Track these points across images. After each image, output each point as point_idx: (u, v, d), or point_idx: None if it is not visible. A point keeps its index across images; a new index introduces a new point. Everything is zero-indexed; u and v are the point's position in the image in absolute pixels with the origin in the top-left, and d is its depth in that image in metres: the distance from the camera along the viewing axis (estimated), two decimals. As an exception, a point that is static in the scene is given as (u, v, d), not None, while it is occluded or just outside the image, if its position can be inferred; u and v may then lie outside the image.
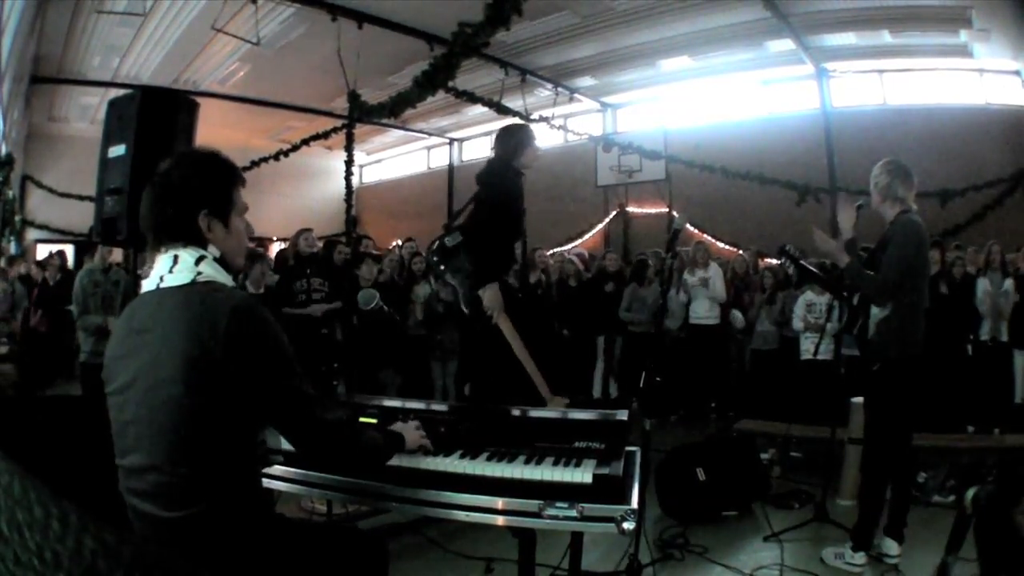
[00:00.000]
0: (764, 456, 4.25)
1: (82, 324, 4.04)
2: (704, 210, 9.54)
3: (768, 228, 8.87)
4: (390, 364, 4.98)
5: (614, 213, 11.19)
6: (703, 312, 5.93)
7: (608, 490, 1.51)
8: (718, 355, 5.99)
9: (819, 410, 4.01)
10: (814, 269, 4.46)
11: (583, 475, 1.54)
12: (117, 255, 4.42)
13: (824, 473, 3.53)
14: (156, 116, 2.56)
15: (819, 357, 4.48)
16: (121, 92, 2.99)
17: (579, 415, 1.95)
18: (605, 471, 1.56)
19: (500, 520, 1.56)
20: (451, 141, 14.32)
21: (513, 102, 9.30)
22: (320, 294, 4.59)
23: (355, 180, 9.42)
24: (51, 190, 10.65)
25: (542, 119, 9.78)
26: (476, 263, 2.74)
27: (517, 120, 8.62)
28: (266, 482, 1.62)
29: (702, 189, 9.78)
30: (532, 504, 1.51)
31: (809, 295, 5.03)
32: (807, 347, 4.95)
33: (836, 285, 3.47)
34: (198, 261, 1.29)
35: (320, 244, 5.15)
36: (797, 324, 5.08)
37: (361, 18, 7.64)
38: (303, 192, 14.45)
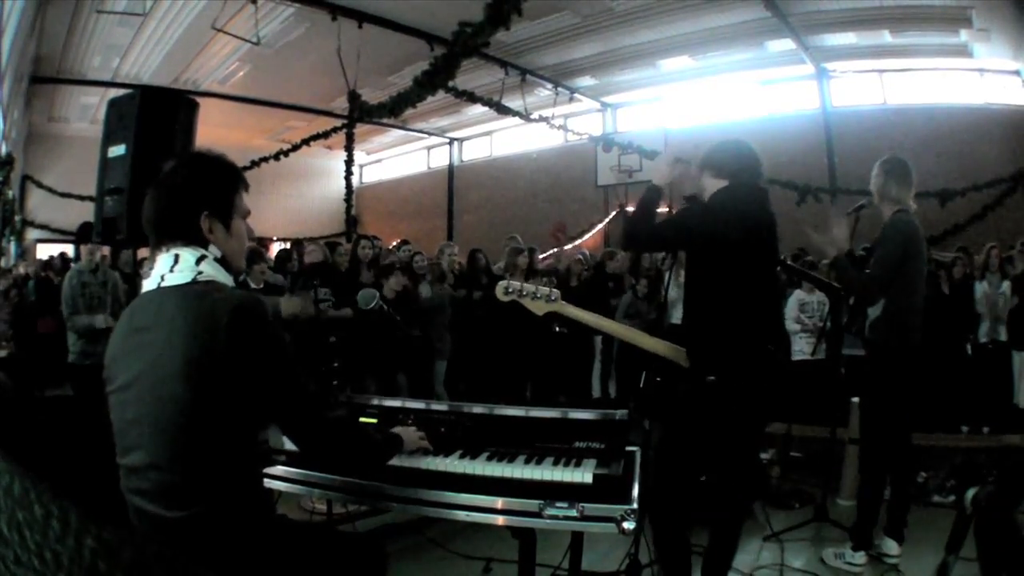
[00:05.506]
0: (764, 456, 4.24)
1: (72, 325, 4.07)
2: (704, 210, 9.53)
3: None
4: (395, 365, 4.98)
5: (614, 213, 11.19)
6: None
7: (608, 490, 1.51)
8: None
9: (818, 410, 4.00)
10: (800, 268, 4.41)
11: (583, 475, 1.54)
12: (106, 251, 4.41)
13: (824, 473, 3.52)
14: (156, 116, 2.56)
15: (814, 357, 4.46)
16: (121, 92, 2.98)
17: (579, 415, 1.95)
18: (605, 471, 1.56)
19: (500, 520, 1.56)
20: (451, 141, 14.32)
21: (513, 102, 9.31)
22: (327, 303, 4.61)
23: (355, 180, 9.45)
24: (51, 190, 10.64)
25: (542, 119, 9.79)
26: None
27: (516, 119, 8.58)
28: (267, 482, 1.62)
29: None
30: (532, 504, 1.51)
31: (800, 293, 4.90)
32: (800, 347, 4.85)
33: (830, 283, 3.45)
34: (199, 261, 1.30)
35: (322, 252, 5.11)
36: (791, 325, 4.91)
37: (361, 18, 7.65)
38: (303, 192, 14.46)
